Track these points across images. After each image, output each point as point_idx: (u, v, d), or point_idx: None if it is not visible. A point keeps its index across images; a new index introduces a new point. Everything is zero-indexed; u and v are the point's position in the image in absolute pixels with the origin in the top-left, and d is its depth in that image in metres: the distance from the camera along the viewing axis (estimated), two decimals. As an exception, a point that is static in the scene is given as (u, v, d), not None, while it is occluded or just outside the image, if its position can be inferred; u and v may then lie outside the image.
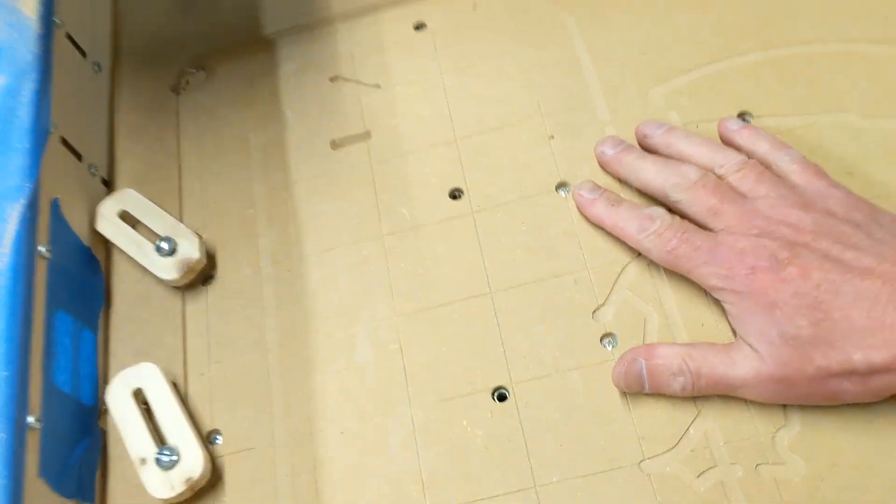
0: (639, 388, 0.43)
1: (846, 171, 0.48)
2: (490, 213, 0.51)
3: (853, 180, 0.48)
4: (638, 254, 0.48)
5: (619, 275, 0.48)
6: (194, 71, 0.61)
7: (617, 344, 0.46)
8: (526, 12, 0.58)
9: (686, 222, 0.44)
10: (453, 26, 0.58)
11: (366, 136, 0.56)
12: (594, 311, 0.48)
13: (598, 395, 0.45)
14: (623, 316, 0.47)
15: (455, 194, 0.53)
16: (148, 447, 0.46)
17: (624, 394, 0.45)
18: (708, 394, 0.43)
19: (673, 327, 0.46)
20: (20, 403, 0.43)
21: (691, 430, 0.44)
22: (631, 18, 0.56)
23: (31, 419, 0.43)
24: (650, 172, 0.46)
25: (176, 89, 0.61)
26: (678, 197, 0.45)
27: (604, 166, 0.50)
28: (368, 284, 0.51)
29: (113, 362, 0.51)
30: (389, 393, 0.47)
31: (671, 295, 0.47)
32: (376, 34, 0.59)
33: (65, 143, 0.53)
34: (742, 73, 0.53)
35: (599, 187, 0.49)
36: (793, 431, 0.43)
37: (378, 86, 0.57)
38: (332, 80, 0.58)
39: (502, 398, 0.46)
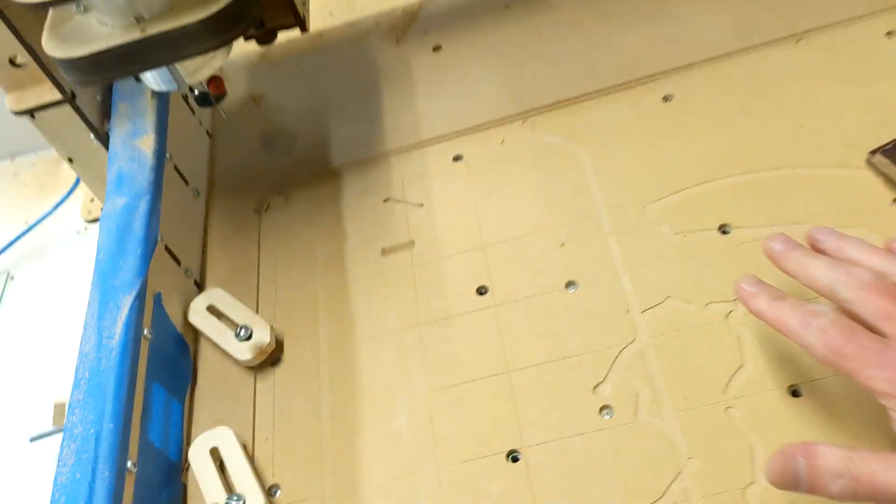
0: (793, 486, 0.41)
1: (809, 271, 0.57)
2: (510, 307, 0.61)
3: (815, 278, 0.56)
4: (632, 339, 0.57)
5: (616, 357, 0.57)
6: (274, 196, 0.74)
7: (613, 414, 0.55)
8: (544, 146, 0.70)
9: (854, 322, 0.42)
10: (485, 157, 0.71)
11: (410, 244, 0.67)
12: (594, 387, 0.56)
13: (595, 457, 0.53)
14: (619, 391, 0.56)
15: (481, 290, 0.63)
16: (220, 494, 0.56)
17: (616, 454, 0.53)
18: (864, 500, 0.39)
19: (661, 402, 0.54)
20: (122, 450, 0.53)
21: (673, 486, 0.51)
22: (631, 150, 0.67)
23: (129, 463, 0.53)
24: (819, 270, 0.45)
25: (259, 211, 0.74)
26: (848, 296, 0.43)
27: (772, 261, 0.49)
28: (407, 365, 0.61)
29: (195, 428, 0.62)
30: (420, 454, 0.56)
31: (659, 374, 0.56)
32: (422, 164, 0.72)
33: (168, 250, 0.66)
34: (723, 193, 0.63)
35: (761, 282, 0.48)
36: (759, 487, 0.50)
37: (422, 205, 0.69)
38: (385, 201, 0.71)
39: (515, 459, 0.55)
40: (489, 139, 0.72)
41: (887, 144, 0.59)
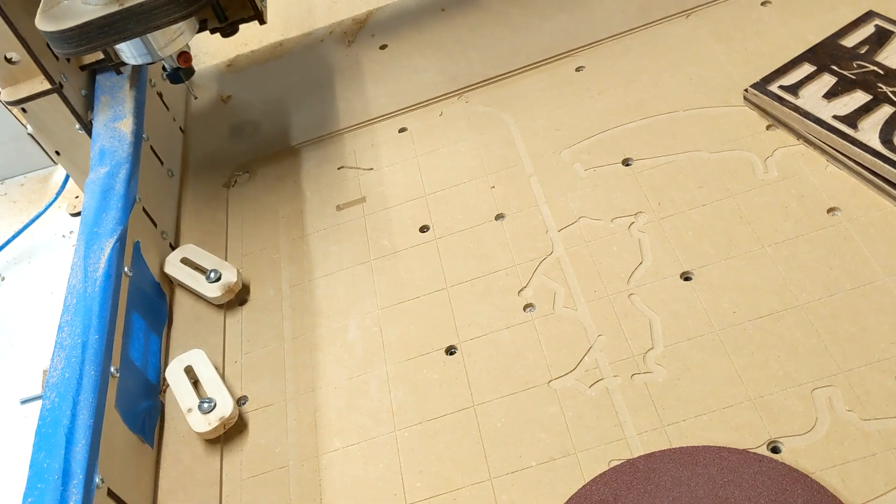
0: None
1: (698, 186, 0.67)
2: (448, 239, 0.70)
3: (705, 190, 0.66)
4: (550, 252, 0.66)
5: (536, 267, 0.66)
6: (241, 173, 0.84)
7: (535, 310, 0.63)
8: (476, 114, 0.80)
9: None
10: (426, 127, 0.81)
11: (361, 200, 0.76)
12: (519, 291, 0.65)
13: (520, 344, 0.62)
14: (539, 292, 0.64)
15: (423, 229, 0.72)
16: (193, 400, 0.63)
17: (537, 339, 0.61)
18: None
19: (575, 296, 0.63)
20: (106, 356, 0.61)
21: (586, 358, 0.59)
22: (549, 111, 0.77)
23: (112, 368, 0.61)
24: None
25: (227, 185, 0.83)
26: None
27: None
28: (359, 292, 0.69)
29: (171, 359, 0.69)
30: (370, 358, 0.64)
31: (573, 275, 0.64)
32: (371, 137, 0.82)
33: (146, 212, 0.75)
34: (626, 135, 0.73)
35: None
36: (658, 351, 0.58)
37: (371, 169, 0.79)
38: (339, 168, 0.80)
39: (452, 353, 0.63)
40: (429, 113, 0.82)
41: (758, 81, 0.70)
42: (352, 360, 0.65)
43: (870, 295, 0.57)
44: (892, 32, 0.69)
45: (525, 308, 0.64)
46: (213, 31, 0.80)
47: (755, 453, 0.51)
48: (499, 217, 0.71)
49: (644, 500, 0.50)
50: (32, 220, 1.02)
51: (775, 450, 0.51)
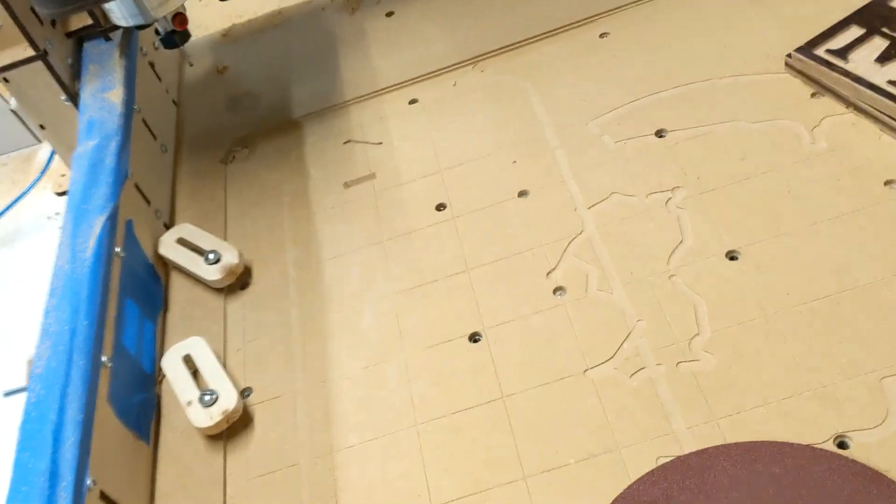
0: None
1: (740, 158, 0.61)
2: (467, 217, 0.65)
3: (748, 162, 0.61)
4: (581, 231, 0.61)
5: (566, 247, 0.61)
6: (239, 148, 0.78)
7: (566, 293, 0.58)
8: (493, 84, 0.74)
9: None
10: (439, 99, 0.75)
11: (371, 176, 0.71)
12: (548, 273, 0.60)
13: (551, 330, 0.56)
14: (570, 274, 0.59)
15: (440, 207, 0.67)
16: (193, 392, 0.58)
17: (570, 325, 0.56)
18: None
19: (609, 279, 0.58)
20: (97, 344, 0.55)
21: (625, 345, 0.54)
22: (573, 80, 0.72)
23: (104, 358, 0.55)
24: None
25: (225, 161, 0.77)
26: None
27: None
28: (372, 275, 0.64)
29: (168, 347, 0.64)
30: (387, 347, 0.59)
31: (607, 256, 0.59)
32: (379, 110, 0.76)
33: (138, 189, 0.69)
34: (658, 105, 0.67)
35: None
36: (705, 337, 0.53)
37: (381, 143, 0.73)
38: (346, 143, 0.75)
39: (476, 340, 0.58)
40: (442, 83, 0.77)
41: (803, 45, 0.64)
42: (367, 349, 0.59)
43: (939, 274, 0.52)
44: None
45: (555, 291, 0.58)
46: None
47: (822, 449, 0.46)
48: (522, 194, 0.65)
49: (699, 500, 0.45)
50: (15, 201, 0.96)
51: (842, 445, 0.47)
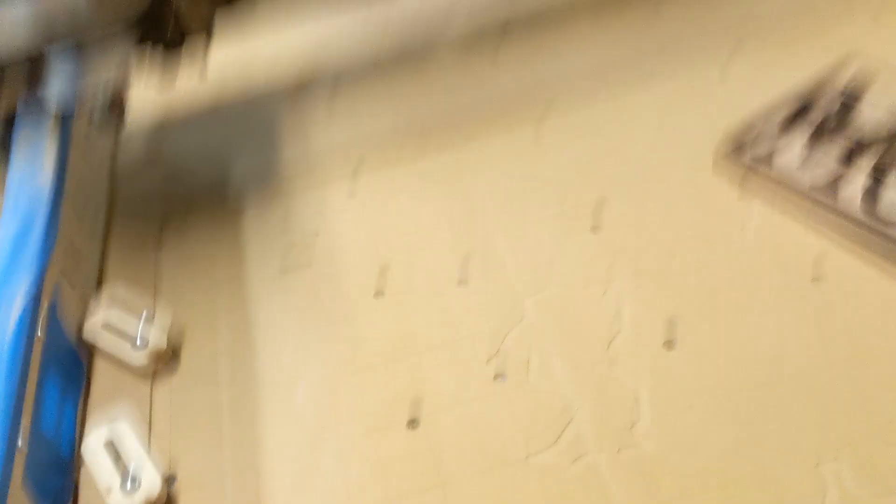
0: None
1: (673, 255, 0.63)
2: (407, 304, 0.65)
3: (681, 258, 0.63)
4: (521, 319, 0.61)
5: (507, 334, 0.61)
6: (175, 222, 0.76)
7: (506, 379, 0.58)
8: (434, 171, 0.76)
9: None
10: (378, 185, 0.76)
11: (308, 263, 0.70)
12: (488, 360, 0.59)
13: (492, 416, 0.56)
14: (511, 361, 0.59)
15: (378, 294, 0.66)
16: (114, 478, 0.55)
17: (511, 411, 0.55)
18: None
19: (550, 366, 0.58)
20: (13, 429, 0.52)
21: (566, 432, 0.54)
22: (512, 172, 0.74)
23: (20, 443, 0.52)
24: None
25: (158, 243, 0.75)
26: None
27: None
28: (307, 358, 0.62)
29: (90, 429, 0.60)
30: (323, 431, 0.57)
31: (548, 344, 0.59)
32: (320, 200, 0.76)
33: (63, 273, 0.66)
34: (595, 202, 0.69)
35: None
36: (645, 423, 0.53)
37: (317, 234, 0.73)
38: (283, 227, 0.74)
39: (414, 426, 0.56)
40: (382, 170, 0.77)
41: (730, 149, 0.68)
42: (301, 433, 0.57)
43: (867, 364, 0.54)
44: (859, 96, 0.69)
45: (495, 377, 0.58)
46: (156, 45, 0.73)
47: (764, 535, 0.46)
48: (462, 282, 0.66)
49: (645, 590, 0.44)
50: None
51: (783, 532, 0.47)
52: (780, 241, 0.63)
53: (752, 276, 0.61)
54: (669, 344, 0.58)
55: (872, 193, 0.61)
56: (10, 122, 0.73)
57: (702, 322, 0.58)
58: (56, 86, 0.62)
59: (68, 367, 0.63)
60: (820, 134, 0.66)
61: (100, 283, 0.73)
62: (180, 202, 0.78)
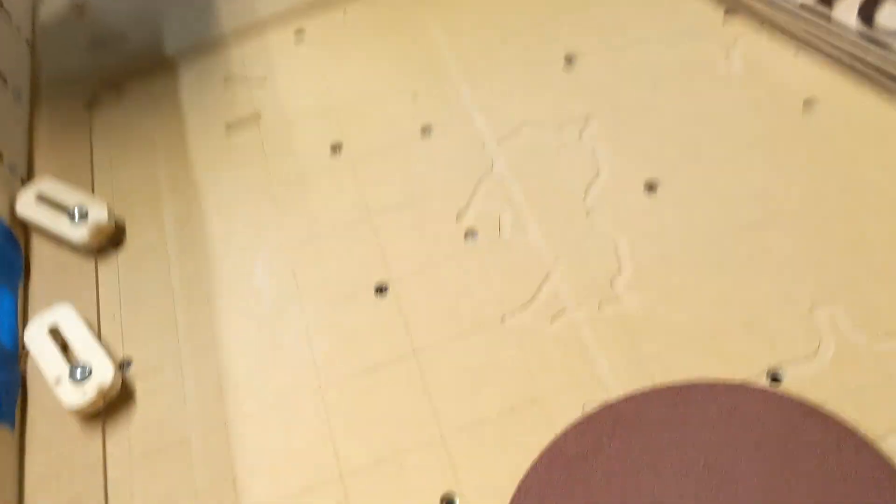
0: None
1: (653, 85, 0.58)
2: (365, 159, 0.59)
3: (662, 89, 0.57)
4: (491, 168, 0.56)
5: (475, 187, 0.56)
6: (105, 91, 0.69)
7: (477, 236, 0.53)
8: (389, 12, 0.68)
9: None
10: (327, 29, 0.69)
11: (256, 117, 0.64)
12: (457, 217, 0.55)
13: (464, 277, 0.52)
14: (481, 216, 0.54)
15: (335, 149, 0.61)
16: (62, 368, 0.51)
17: (484, 271, 0.52)
18: None
19: (524, 219, 0.54)
20: (-58, 323, 0.47)
21: (543, 289, 0.50)
22: (474, 4, 0.66)
23: (-49, 337, 0.48)
24: None
25: (89, 107, 0.69)
26: None
27: None
28: (262, 227, 0.57)
29: (33, 316, 0.56)
30: (283, 304, 0.53)
31: (520, 194, 0.55)
32: (262, 41, 0.69)
33: (-14, 142, 0.60)
34: (565, 30, 0.63)
35: None
36: (627, 276, 0.50)
37: (265, 78, 0.66)
38: (226, 79, 0.67)
39: (382, 292, 0.52)
40: (330, 13, 0.70)
41: (712, -37, 0.61)
42: (260, 309, 0.53)
43: (863, 196, 0.50)
44: None
45: (466, 236, 0.54)
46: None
47: (755, 386, 0.43)
48: (425, 131, 0.60)
49: (632, 448, 0.42)
50: None
51: (776, 379, 0.44)
52: (769, 68, 0.57)
53: (738, 107, 0.56)
54: (650, 186, 0.53)
55: (871, 4, 0.55)
56: None
57: (684, 161, 0.54)
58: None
59: (3, 249, 0.58)
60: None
61: (30, 153, 0.66)
62: (111, 69, 0.71)
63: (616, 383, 0.45)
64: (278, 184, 0.59)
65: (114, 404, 0.51)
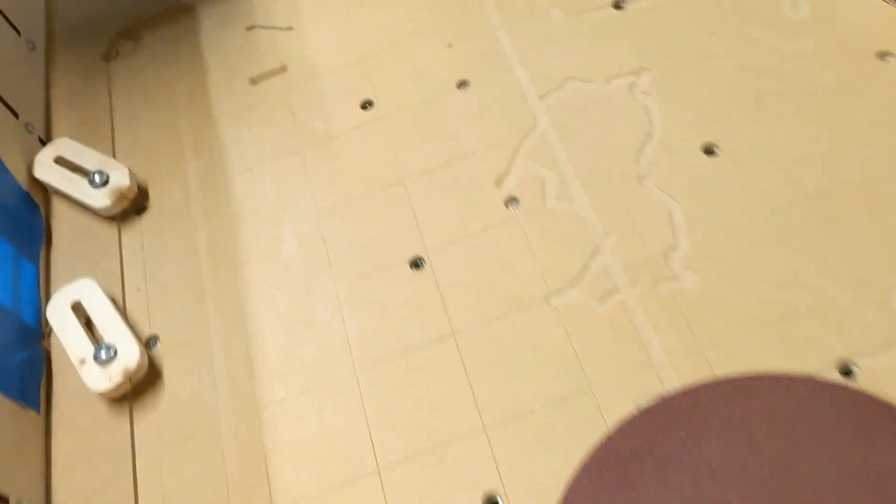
0: None
1: (711, 32, 0.52)
2: (398, 115, 0.55)
3: (720, 37, 0.52)
4: (533, 127, 0.52)
5: (517, 147, 0.52)
6: (123, 41, 0.65)
7: (519, 204, 0.50)
8: (419, -51, 0.63)
9: None
10: (356, -28, 0.63)
11: (282, 69, 0.60)
12: (497, 181, 0.51)
13: (504, 249, 0.48)
14: (523, 181, 0.51)
15: (366, 105, 0.56)
16: (87, 348, 0.49)
17: (527, 243, 0.48)
18: None
19: (570, 184, 0.50)
20: (-41, 304, 0.45)
21: (592, 264, 0.47)
22: (513, -59, 0.61)
23: (-30, 318, 0.45)
24: None
25: (107, 58, 0.65)
26: None
27: None
28: (290, 191, 0.54)
29: (55, 290, 0.54)
30: (315, 276, 0.50)
31: (565, 157, 0.51)
32: (287, -11, 0.64)
33: (1, 100, 0.57)
34: (615, -30, 0.57)
35: None
36: (683, 250, 0.46)
37: (291, 28, 0.62)
38: (249, 29, 0.63)
39: (418, 265, 0.49)
40: (358, -48, 0.64)
41: None
42: (291, 280, 0.51)
43: (950, 164, 0.45)
44: None
45: (507, 203, 0.50)
46: None
47: (824, 380, 0.40)
48: (461, 84, 0.56)
49: (687, 448, 0.39)
50: None
51: (847, 372, 0.40)
52: (839, 14, 0.52)
53: (805, 59, 0.51)
54: (709, 148, 0.49)
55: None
56: None
57: (747, 119, 0.49)
58: None
59: (20, 215, 0.55)
60: None
61: (47, 110, 0.63)
62: (127, 16, 0.67)
63: (671, 372, 0.42)
64: (306, 143, 0.56)
65: (141, 384, 0.49)
